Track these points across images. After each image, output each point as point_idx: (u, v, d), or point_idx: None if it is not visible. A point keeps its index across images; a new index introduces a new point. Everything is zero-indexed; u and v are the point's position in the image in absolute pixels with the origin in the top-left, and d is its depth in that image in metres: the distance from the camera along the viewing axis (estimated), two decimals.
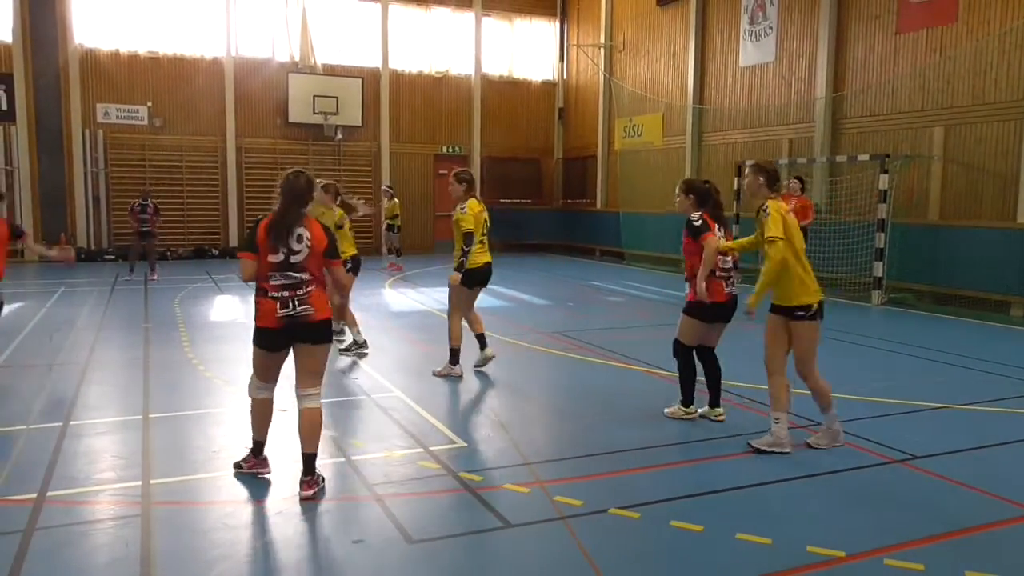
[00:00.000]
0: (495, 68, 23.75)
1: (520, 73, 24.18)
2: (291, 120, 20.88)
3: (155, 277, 15.37)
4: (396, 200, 18.36)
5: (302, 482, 4.61)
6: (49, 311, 11.50)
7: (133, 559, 3.80)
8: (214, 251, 20.46)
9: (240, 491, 4.74)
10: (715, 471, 5.15)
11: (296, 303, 4.60)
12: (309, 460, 4.66)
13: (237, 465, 4.99)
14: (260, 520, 4.29)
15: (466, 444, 5.63)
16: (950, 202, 13.10)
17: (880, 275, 12.85)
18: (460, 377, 7.70)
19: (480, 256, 7.57)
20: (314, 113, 20.84)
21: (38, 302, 12.33)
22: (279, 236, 4.60)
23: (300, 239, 4.64)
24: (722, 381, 6.36)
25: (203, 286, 14.70)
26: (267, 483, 4.87)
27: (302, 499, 4.52)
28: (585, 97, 23.55)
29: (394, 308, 12.53)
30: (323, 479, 4.75)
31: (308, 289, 4.63)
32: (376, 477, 4.91)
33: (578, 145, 23.97)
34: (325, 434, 5.79)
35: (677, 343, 6.24)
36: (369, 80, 21.79)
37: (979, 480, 4.93)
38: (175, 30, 20.01)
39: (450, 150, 23.24)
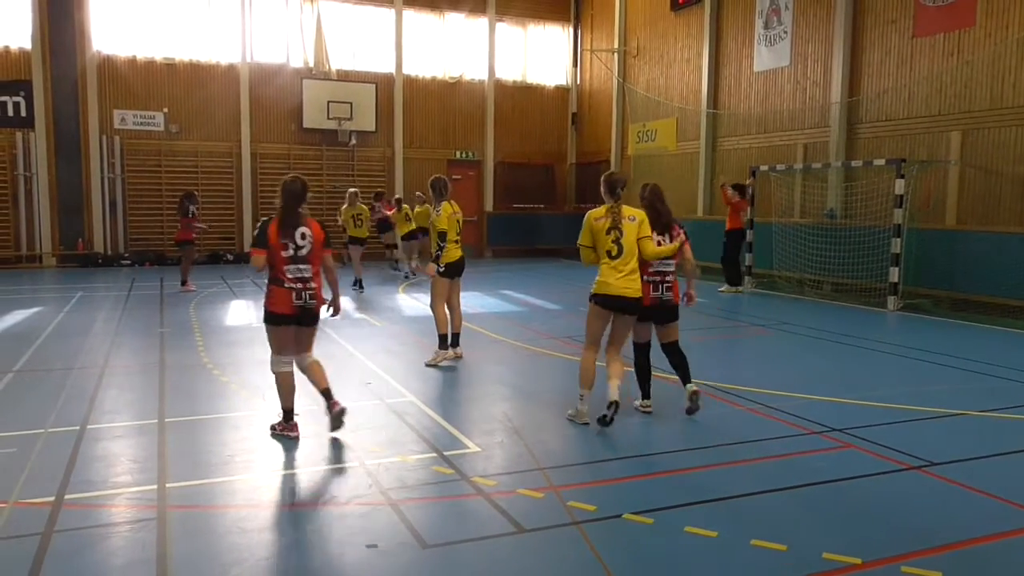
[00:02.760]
0: (509, 73, 23.80)
1: (534, 78, 24.22)
2: (305, 126, 20.98)
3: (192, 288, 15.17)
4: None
5: (331, 404, 5.81)
6: (66, 316, 11.60)
7: (149, 562, 3.82)
8: (229, 256, 20.57)
9: (255, 495, 4.76)
10: (730, 477, 5.13)
11: (307, 296, 5.66)
12: (328, 391, 5.86)
13: (272, 427, 5.95)
14: (274, 524, 4.30)
15: (480, 449, 5.63)
16: (967, 207, 13.00)
17: (896, 281, 12.77)
18: (454, 358, 8.53)
19: (454, 252, 8.46)
20: (328, 119, 20.94)
21: (56, 307, 12.44)
22: (287, 233, 5.65)
23: (304, 236, 5.69)
24: (688, 367, 6.68)
25: (218, 291, 14.79)
26: (281, 487, 4.89)
27: (337, 411, 5.77)
28: (599, 102, 23.55)
29: (407, 313, 12.55)
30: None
31: (315, 284, 5.72)
32: (390, 482, 4.92)
33: (591, 150, 23.96)
34: (339, 438, 5.83)
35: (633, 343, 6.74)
36: (383, 85, 21.88)
37: (997, 487, 4.88)
38: (191, 36, 20.17)
39: (463, 155, 23.29)
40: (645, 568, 3.84)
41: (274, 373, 5.89)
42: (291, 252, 5.65)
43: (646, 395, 6.70)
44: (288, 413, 5.91)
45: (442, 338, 8.48)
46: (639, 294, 6.19)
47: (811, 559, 3.88)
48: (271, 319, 5.75)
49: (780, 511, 4.56)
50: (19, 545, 3.99)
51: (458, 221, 8.56)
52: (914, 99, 13.85)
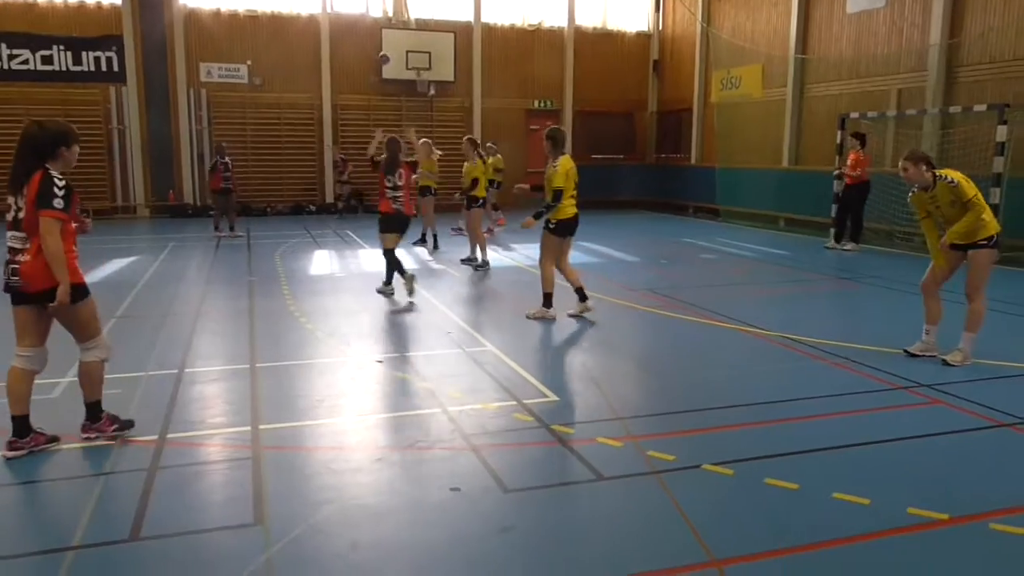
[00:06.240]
0: (589, 19, 23.34)
1: (614, 24, 23.69)
2: (385, 76, 21.08)
3: (237, 233, 15.89)
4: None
5: (38, 438, 4.59)
6: (161, 265, 12.10)
7: (246, 499, 4.03)
8: (311, 207, 21.01)
9: (342, 438, 4.95)
10: (812, 430, 5.07)
11: (10, 271, 4.41)
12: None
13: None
14: (361, 466, 4.47)
15: (558, 398, 5.69)
16: None
17: None
18: (553, 320, 8.21)
19: (569, 208, 8.17)
20: (407, 69, 20.99)
21: (150, 256, 12.98)
22: (10, 189, 4.42)
23: (24, 195, 4.37)
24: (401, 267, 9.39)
25: (301, 241, 15.17)
26: (367, 431, 5.07)
27: (11, 450, 4.48)
28: (681, 48, 22.93)
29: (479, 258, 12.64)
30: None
31: (22, 258, 4.38)
32: (472, 428, 5.03)
33: (673, 98, 23.41)
34: (422, 385, 5.97)
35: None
36: (461, 34, 21.76)
37: None
38: None
39: (542, 104, 23.06)
40: (724, 518, 3.85)
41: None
42: (12, 215, 4.42)
43: (390, 281, 9.50)
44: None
45: (547, 296, 8.29)
46: None
47: (895, 514, 3.83)
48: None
49: (864, 465, 4.49)
50: (129, 479, 4.26)
51: (575, 176, 8.24)
52: (1022, 38, 13.03)
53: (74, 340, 4.65)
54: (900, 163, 6.65)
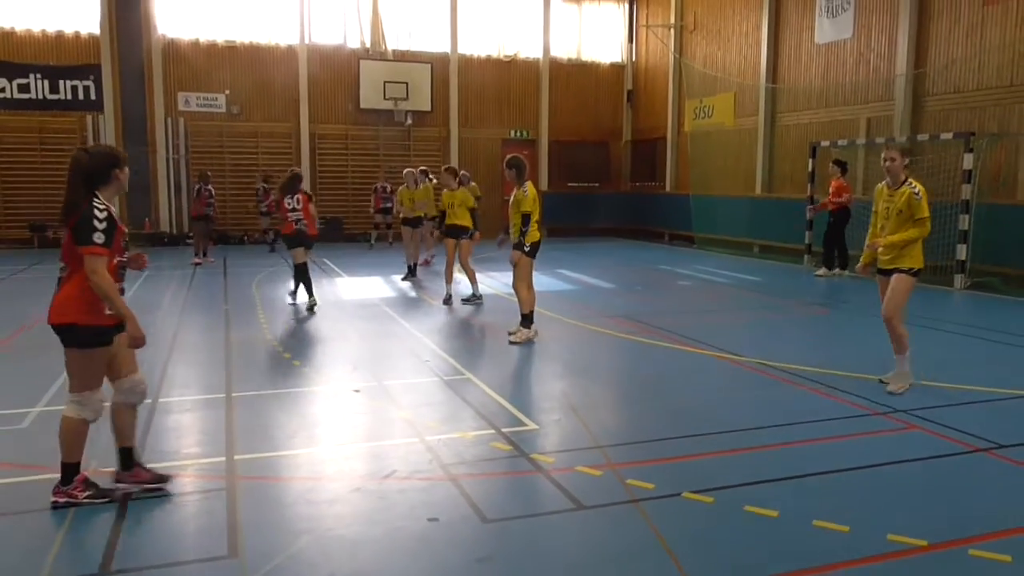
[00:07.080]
0: (564, 51, 23.61)
1: (589, 55, 23.98)
2: (362, 106, 21.16)
3: (210, 259, 16.10)
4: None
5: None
6: (136, 294, 11.95)
7: (220, 529, 3.96)
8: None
9: (319, 468, 4.89)
10: (791, 457, 5.08)
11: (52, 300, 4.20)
12: (61, 468, 4.27)
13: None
14: (339, 497, 4.41)
15: (537, 426, 5.67)
16: None
17: (963, 258, 12.39)
18: (536, 334, 8.54)
19: (538, 232, 8.73)
20: (384, 99, 21.09)
21: (126, 284, 12.79)
22: (62, 220, 4.17)
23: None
24: (312, 283, 10.68)
25: (278, 270, 15.08)
26: (344, 461, 5.01)
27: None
28: (654, 78, 23.23)
29: (463, 292, 12.63)
30: (91, 492, 4.25)
31: (56, 289, 4.23)
32: (450, 457, 5.00)
33: (647, 127, 23.68)
34: (400, 414, 5.92)
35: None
36: (438, 65, 21.92)
37: None
38: (251, 18, 20.48)
39: (518, 134, 23.22)
40: (704, 546, 3.84)
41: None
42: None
43: (311, 294, 10.61)
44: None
45: (526, 317, 8.52)
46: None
47: (875, 540, 3.84)
48: None
49: (843, 492, 4.50)
50: (100, 511, 4.17)
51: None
52: (984, 69, 13.36)
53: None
54: (886, 152, 6.63)
